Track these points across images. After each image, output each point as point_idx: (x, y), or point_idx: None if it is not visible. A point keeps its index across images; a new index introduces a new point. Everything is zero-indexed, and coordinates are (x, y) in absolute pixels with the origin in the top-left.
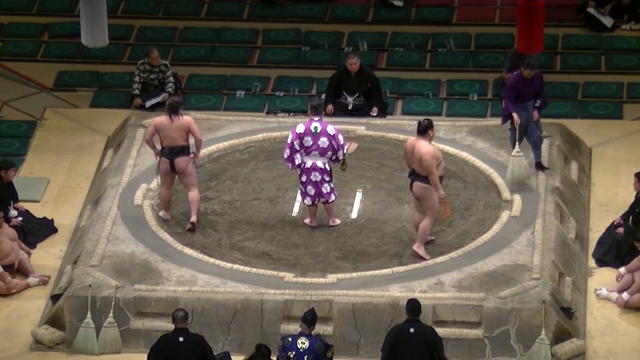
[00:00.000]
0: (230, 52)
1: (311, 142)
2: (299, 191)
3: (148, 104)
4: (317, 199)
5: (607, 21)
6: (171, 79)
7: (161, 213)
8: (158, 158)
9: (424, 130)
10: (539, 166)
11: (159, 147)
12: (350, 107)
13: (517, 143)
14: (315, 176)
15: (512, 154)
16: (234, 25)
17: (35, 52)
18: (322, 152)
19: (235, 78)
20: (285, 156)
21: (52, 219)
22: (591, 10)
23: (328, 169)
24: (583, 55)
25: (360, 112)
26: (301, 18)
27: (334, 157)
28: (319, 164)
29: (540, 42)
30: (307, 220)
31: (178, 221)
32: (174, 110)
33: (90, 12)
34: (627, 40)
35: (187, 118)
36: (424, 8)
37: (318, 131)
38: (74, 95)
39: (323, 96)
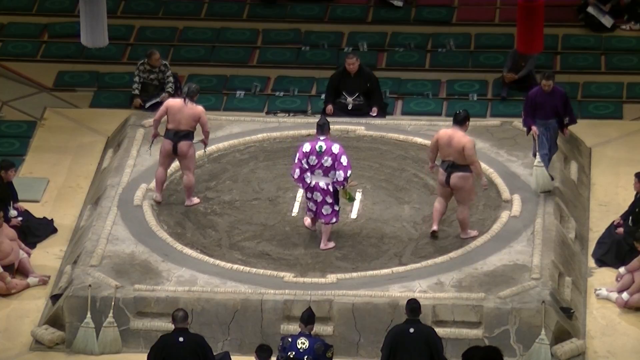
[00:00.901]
0: (230, 52)
1: (316, 161)
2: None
3: (148, 104)
4: (315, 215)
5: (607, 21)
6: (171, 79)
7: (155, 196)
8: (152, 139)
9: (462, 121)
10: None
11: (160, 131)
12: (350, 107)
13: (537, 153)
14: (317, 196)
15: (535, 164)
16: (234, 25)
17: (35, 52)
18: (326, 172)
19: (235, 78)
20: (296, 176)
21: (52, 219)
22: (591, 10)
23: (331, 190)
24: (583, 55)
25: (360, 112)
26: (301, 18)
27: (334, 179)
28: (322, 184)
29: (540, 42)
30: (307, 222)
31: (178, 221)
32: (190, 96)
33: (90, 12)
34: (627, 40)
35: (199, 108)
36: (424, 8)
37: (322, 150)
38: (74, 95)
39: (323, 96)
